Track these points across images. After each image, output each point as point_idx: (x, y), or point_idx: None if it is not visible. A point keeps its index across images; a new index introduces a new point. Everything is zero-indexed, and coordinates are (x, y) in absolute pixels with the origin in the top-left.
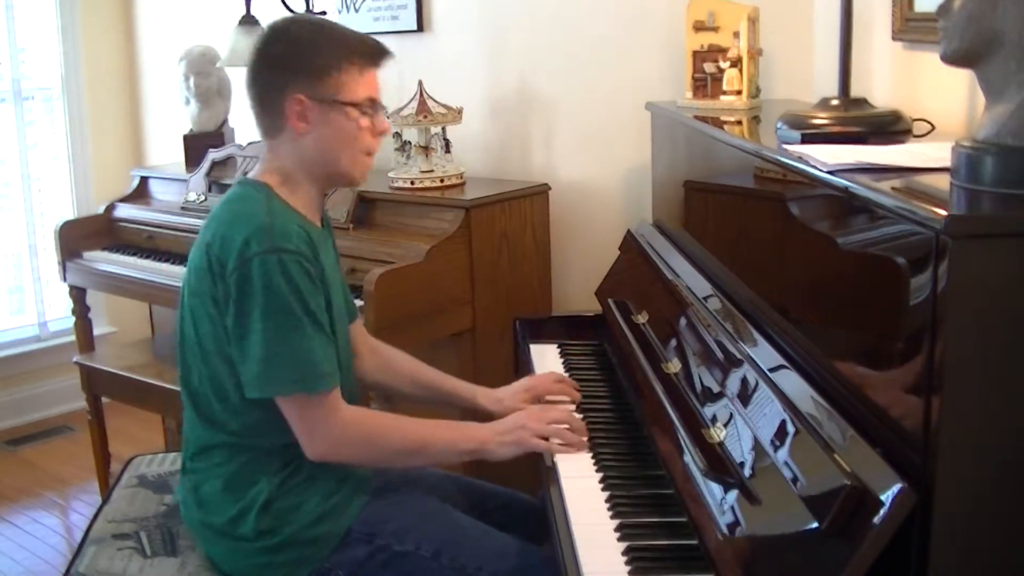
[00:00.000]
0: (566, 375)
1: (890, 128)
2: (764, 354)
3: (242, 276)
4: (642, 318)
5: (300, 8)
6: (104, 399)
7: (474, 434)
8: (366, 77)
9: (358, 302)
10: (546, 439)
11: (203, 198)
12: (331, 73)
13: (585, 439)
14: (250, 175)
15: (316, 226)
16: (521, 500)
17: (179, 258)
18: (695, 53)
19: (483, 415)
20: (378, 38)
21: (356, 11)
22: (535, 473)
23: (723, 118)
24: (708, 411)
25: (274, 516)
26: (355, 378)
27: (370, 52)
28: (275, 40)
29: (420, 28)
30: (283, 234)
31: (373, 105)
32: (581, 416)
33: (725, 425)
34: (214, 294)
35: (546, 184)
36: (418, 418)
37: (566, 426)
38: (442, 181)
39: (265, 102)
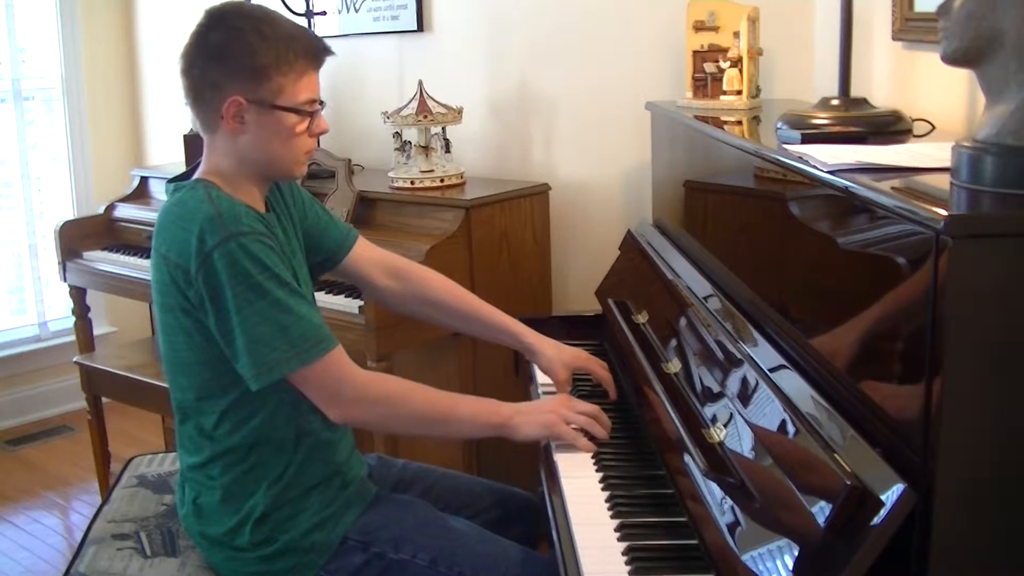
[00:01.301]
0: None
1: (890, 128)
2: (764, 354)
3: (208, 273)
4: (642, 318)
5: (300, 8)
6: (104, 399)
7: (499, 410)
8: (306, 79)
9: (358, 302)
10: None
11: None
12: (270, 76)
13: (606, 436)
14: (191, 176)
15: (264, 213)
16: (517, 496)
17: None
18: (695, 53)
19: (519, 347)
20: (378, 38)
21: (356, 11)
22: (532, 470)
23: (723, 118)
24: (708, 411)
25: (271, 526)
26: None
27: (312, 53)
28: (213, 30)
29: (420, 28)
30: (233, 218)
31: (312, 106)
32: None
33: (725, 425)
34: (183, 305)
35: (546, 184)
36: (439, 389)
37: (591, 421)
38: (442, 181)
39: (200, 97)
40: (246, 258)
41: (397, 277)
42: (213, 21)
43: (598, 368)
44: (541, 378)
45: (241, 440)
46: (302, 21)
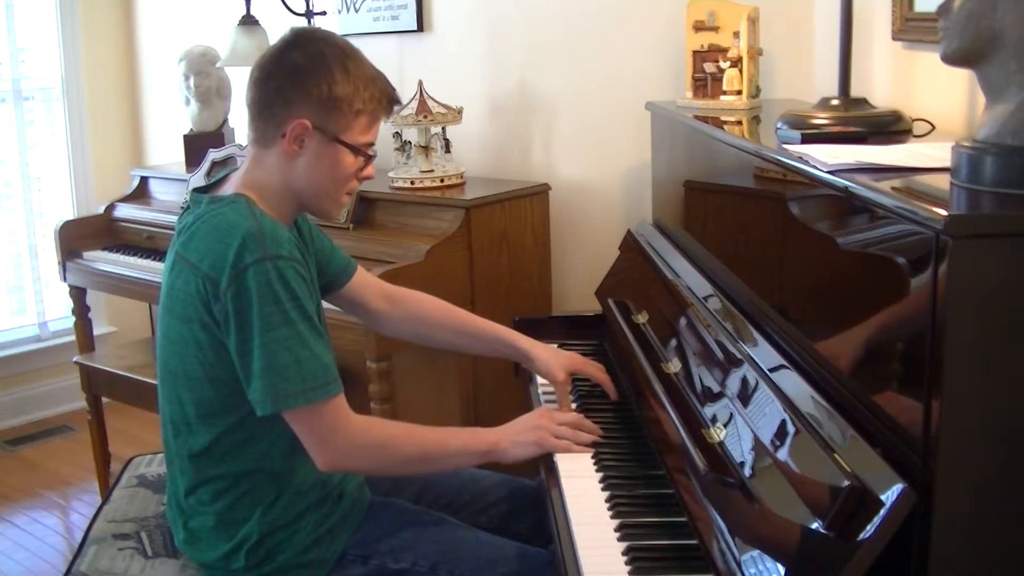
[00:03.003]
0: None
1: (890, 128)
2: (764, 354)
3: (238, 290)
4: (642, 318)
5: (300, 7)
6: (104, 399)
7: (486, 437)
8: (374, 124)
9: None
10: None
11: None
12: (342, 110)
13: (595, 438)
14: (225, 187)
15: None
16: (525, 488)
17: None
18: (695, 53)
19: (517, 356)
20: (378, 38)
21: (356, 11)
22: (534, 461)
23: (723, 118)
24: (708, 411)
25: (267, 549)
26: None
27: (386, 101)
28: (298, 49)
29: (420, 28)
30: (275, 240)
31: (369, 150)
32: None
33: (725, 425)
34: (203, 319)
35: (546, 184)
36: (427, 425)
37: (576, 431)
38: (442, 181)
39: (266, 110)
40: (279, 282)
41: (391, 301)
42: (300, 41)
43: (595, 371)
44: (541, 379)
45: (235, 466)
46: (302, 21)
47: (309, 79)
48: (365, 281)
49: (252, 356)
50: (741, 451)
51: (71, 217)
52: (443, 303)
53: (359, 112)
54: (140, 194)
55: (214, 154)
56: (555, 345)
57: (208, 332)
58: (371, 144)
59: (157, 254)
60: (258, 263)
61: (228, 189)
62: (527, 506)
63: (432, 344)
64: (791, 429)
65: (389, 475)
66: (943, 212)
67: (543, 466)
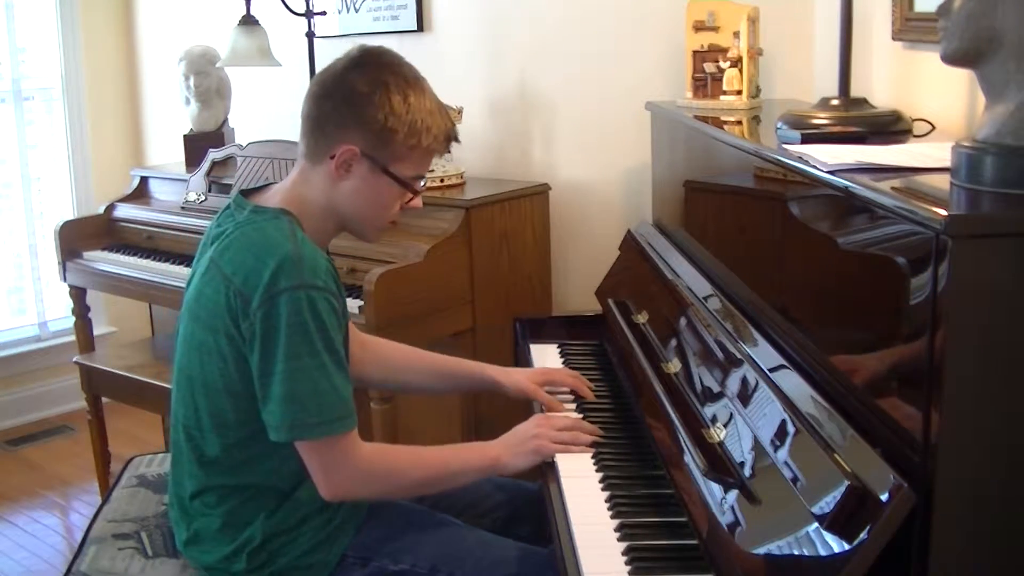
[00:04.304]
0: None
1: (890, 128)
2: (764, 354)
3: (268, 313)
4: (642, 318)
5: (300, 8)
6: (104, 399)
7: (486, 452)
8: (426, 159)
9: (358, 302)
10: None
11: (203, 198)
12: (395, 141)
13: (595, 439)
14: (271, 196)
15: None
16: (526, 492)
17: (179, 258)
18: (695, 53)
19: (489, 386)
20: (378, 38)
21: (356, 11)
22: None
23: (723, 118)
24: (708, 411)
25: (268, 552)
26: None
27: (443, 139)
28: (362, 72)
29: (420, 28)
30: (312, 269)
31: (417, 184)
32: (582, 416)
33: (725, 425)
34: (230, 331)
35: (546, 184)
36: (430, 446)
37: (575, 433)
38: (442, 181)
39: (318, 129)
40: (310, 312)
41: (363, 347)
42: (364, 62)
43: (566, 378)
44: None
45: (243, 479)
46: (302, 21)
47: (366, 106)
48: (354, 337)
49: (273, 380)
50: (741, 451)
51: (71, 217)
52: (409, 347)
53: (413, 147)
54: (140, 194)
55: (214, 154)
56: (555, 345)
57: (233, 345)
58: (420, 177)
59: (157, 254)
60: (293, 290)
61: (273, 199)
62: (528, 510)
63: (404, 388)
64: (791, 429)
65: (394, 499)
66: (943, 212)
67: (543, 466)
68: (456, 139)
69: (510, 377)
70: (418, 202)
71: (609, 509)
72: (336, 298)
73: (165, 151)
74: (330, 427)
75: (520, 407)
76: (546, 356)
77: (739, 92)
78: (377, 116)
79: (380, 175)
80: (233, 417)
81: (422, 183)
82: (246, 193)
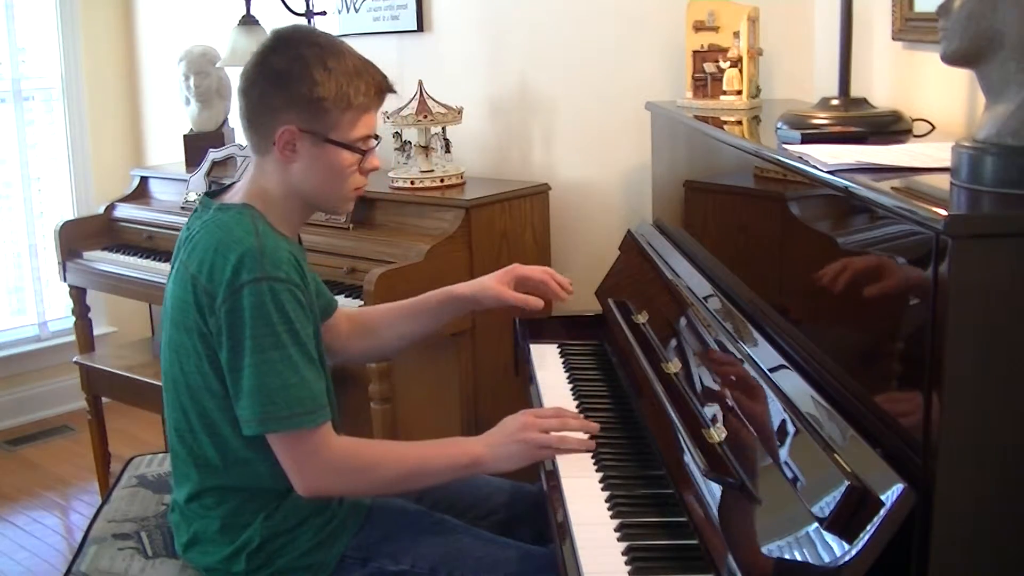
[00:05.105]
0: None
1: (890, 128)
2: (764, 354)
3: (233, 307)
4: (642, 318)
5: (300, 7)
6: (104, 399)
7: (469, 449)
8: (365, 117)
9: (358, 302)
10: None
11: None
12: (328, 110)
13: (587, 436)
14: (234, 194)
15: (296, 244)
16: (526, 494)
17: None
18: (695, 53)
19: (464, 303)
20: (378, 38)
21: (356, 11)
22: (533, 463)
23: (723, 118)
24: (708, 411)
25: (267, 553)
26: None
27: (374, 91)
28: (279, 53)
29: (420, 28)
30: (274, 261)
31: (366, 144)
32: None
33: (725, 425)
34: (201, 329)
35: (546, 184)
36: (410, 441)
37: (565, 432)
38: (442, 181)
39: (255, 119)
40: (273, 304)
41: (349, 319)
42: (279, 45)
43: (534, 271)
44: (541, 379)
45: (239, 481)
46: (302, 21)
47: (290, 84)
48: (341, 313)
49: (242, 375)
50: (741, 451)
51: (71, 217)
52: (388, 304)
53: (346, 109)
54: (140, 194)
55: (214, 154)
56: (555, 345)
57: (205, 342)
58: (368, 137)
59: (157, 254)
60: (254, 283)
61: (236, 196)
62: (528, 512)
63: (389, 346)
64: (791, 429)
65: (371, 495)
66: (943, 212)
67: (542, 466)
68: (391, 90)
69: (479, 286)
70: (374, 162)
71: (609, 509)
72: (301, 290)
73: (165, 151)
74: (300, 420)
75: (521, 406)
76: (546, 356)
77: (739, 92)
78: (303, 90)
79: (324, 146)
80: (219, 417)
81: (373, 143)
82: (212, 194)
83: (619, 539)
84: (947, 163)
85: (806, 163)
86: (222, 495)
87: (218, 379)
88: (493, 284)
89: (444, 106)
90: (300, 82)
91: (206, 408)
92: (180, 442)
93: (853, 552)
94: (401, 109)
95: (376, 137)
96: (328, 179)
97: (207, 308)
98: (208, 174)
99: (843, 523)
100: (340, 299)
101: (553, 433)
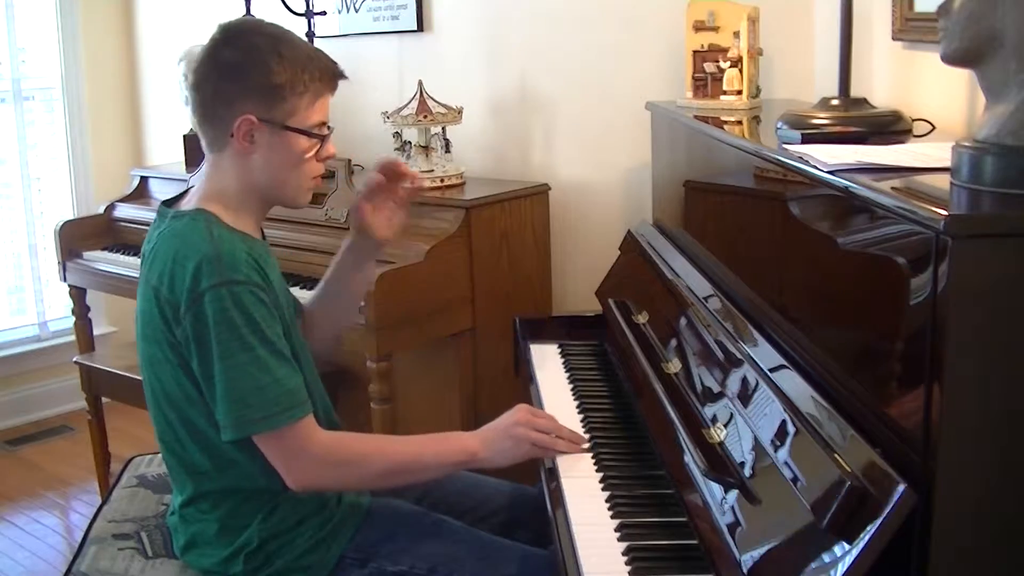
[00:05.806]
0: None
1: (890, 128)
2: (764, 354)
3: (196, 315)
4: (642, 318)
5: (300, 7)
6: (104, 399)
7: (464, 446)
8: (320, 102)
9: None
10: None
11: None
12: (285, 96)
13: (581, 443)
14: (189, 199)
15: (259, 240)
16: (527, 496)
17: None
18: (695, 53)
19: (364, 246)
20: (378, 38)
21: (356, 11)
22: (534, 462)
23: (723, 118)
24: (708, 411)
25: (266, 554)
26: (327, 401)
27: (328, 76)
28: (230, 45)
29: (420, 28)
30: (232, 264)
31: (322, 130)
32: (582, 417)
33: (725, 425)
34: (170, 340)
35: (546, 184)
36: (403, 436)
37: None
38: (442, 181)
39: (210, 113)
40: (236, 308)
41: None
42: (229, 37)
43: (370, 180)
44: (541, 379)
45: (233, 483)
46: (302, 21)
47: (246, 74)
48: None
49: (215, 382)
50: (741, 451)
51: (71, 217)
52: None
53: (301, 94)
54: (140, 194)
55: None
56: (555, 345)
57: (176, 352)
58: (323, 123)
59: None
60: (214, 288)
61: (190, 202)
62: (529, 514)
63: (335, 320)
64: (791, 429)
65: (362, 490)
66: (943, 212)
67: (542, 465)
68: (342, 76)
69: (355, 221)
70: (331, 149)
71: (609, 509)
72: (263, 289)
73: (165, 151)
74: (276, 420)
75: None
76: (546, 356)
77: (739, 92)
78: (259, 79)
79: (283, 133)
80: (203, 423)
81: (326, 129)
82: (168, 203)
83: (619, 539)
84: (947, 163)
85: (806, 163)
86: (218, 499)
87: (195, 386)
88: (361, 207)
89: (444, 106)
90: (255, 71)
91: (189, 416)
92: (170, 453)
93: (853, 552)
94: (401, 109)
95: (330, 128)
96: (287, 167)
97: (172, 319)
98: None
99: (843, 523)
100: None
101: (543, 448)
